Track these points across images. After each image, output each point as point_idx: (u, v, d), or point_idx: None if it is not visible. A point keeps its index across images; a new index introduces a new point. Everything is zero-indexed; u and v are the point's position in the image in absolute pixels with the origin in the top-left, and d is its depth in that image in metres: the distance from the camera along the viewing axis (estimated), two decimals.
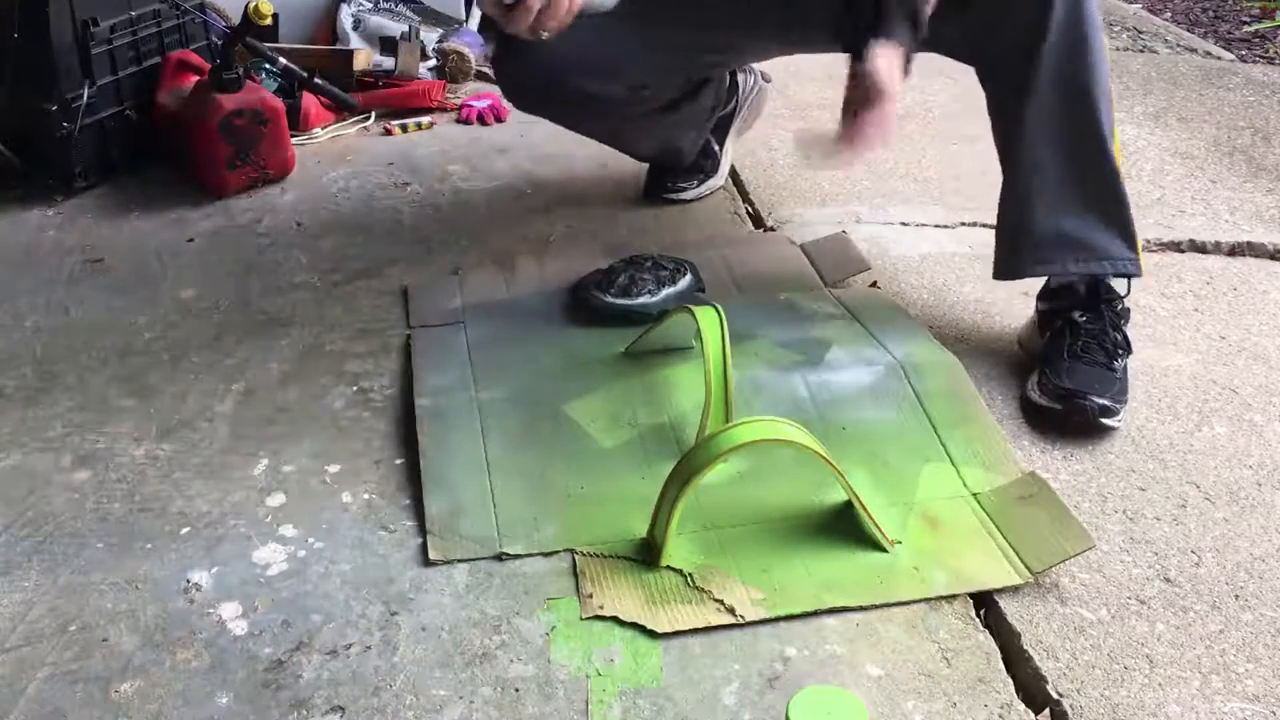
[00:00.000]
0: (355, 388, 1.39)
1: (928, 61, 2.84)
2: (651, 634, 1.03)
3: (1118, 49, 2.98)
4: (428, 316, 1.53)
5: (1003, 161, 1.45)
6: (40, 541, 1.14)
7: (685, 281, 1.54)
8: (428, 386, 1.36)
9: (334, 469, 1.25)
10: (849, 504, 1.15)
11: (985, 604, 1.08)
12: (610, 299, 1.49)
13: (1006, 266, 1.46)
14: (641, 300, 1.49)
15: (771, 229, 1.84)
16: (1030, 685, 1.00)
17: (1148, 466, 1.28)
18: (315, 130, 2.19)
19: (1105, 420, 1.31)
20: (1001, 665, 1.01)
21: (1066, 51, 1.33)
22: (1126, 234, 1.39)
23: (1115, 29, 3.18)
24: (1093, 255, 1.39)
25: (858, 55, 1.33)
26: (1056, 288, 1.46)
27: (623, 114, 1.68)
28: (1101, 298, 1.42)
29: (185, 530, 1.15)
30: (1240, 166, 2.14)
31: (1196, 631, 1.05)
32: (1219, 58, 3.00)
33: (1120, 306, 1.43)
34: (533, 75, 1.56)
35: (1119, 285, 1.44)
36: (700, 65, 1.71)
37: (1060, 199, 1.39)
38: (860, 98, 1.33)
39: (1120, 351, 1.39)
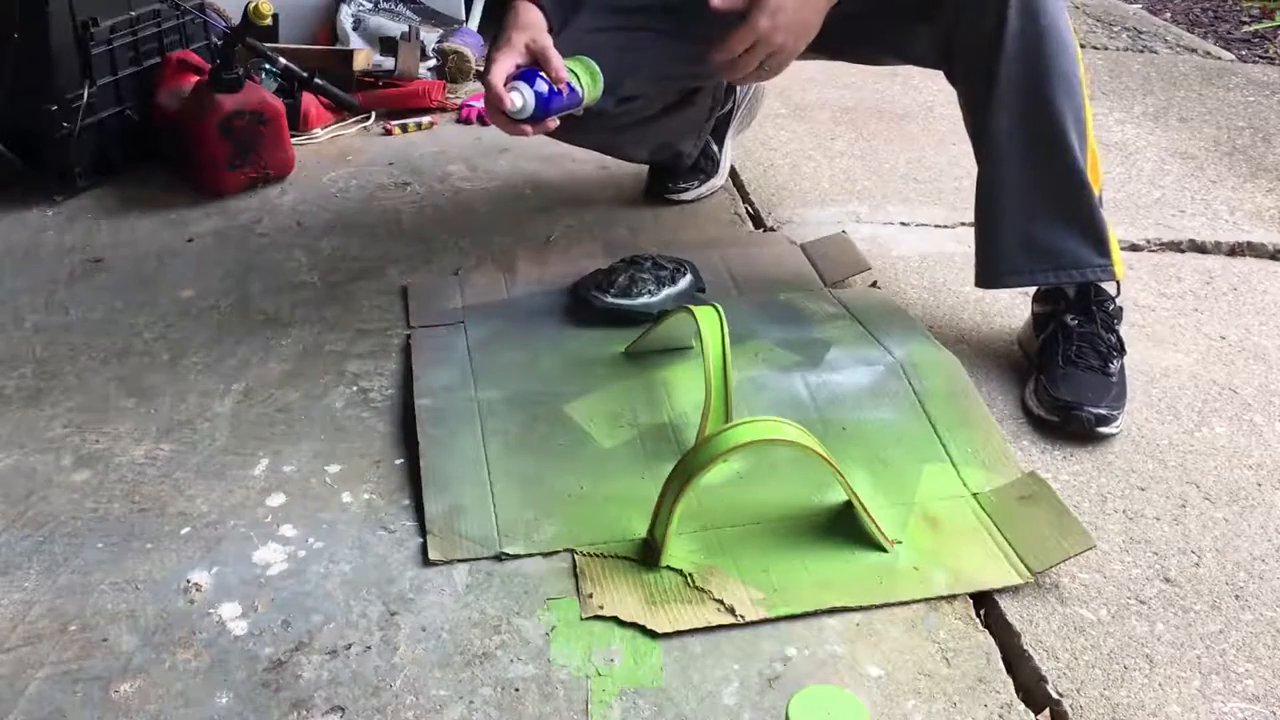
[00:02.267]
0: (355, 388, 1.39)
1: None
2: (651, 634, 1.03)
3: (1118, 49, 2.98)
4: (428, 316, 1.53)
5: (977, 166, 1.45)
6: (40, 541, 1.14)
7: (685, 281, 1.54)
8: (428, 386, 1.36)
9: (334, 469, 1.25)
10: (849, 504, 1.15)
11: (985, 604, 1.08)
12: (610, 299, 1.49)
13: (983, 275, 1.45)
14: (642, 300, 1.49)
15: (771, 229, 1.84)
16: (1030, 685, 1.00)
17: (1148, 466, 1.28)
18: (315, 130, 2.19)
19: (1102, 429, 1.30)
20: (1001, 665, 1.01)
21: (1026, 59, 1.32)
22: (1096, 240, 1.38)
23: (1115, 29, 3.18)
24: (1061, 263, 1.38)
25: None
26: (1048, 290, 1.45)
27: (613, 125, 1.67)
28: (1091, 300, 1.41)
29: (185, 530, 1.15)
30: (1240, 166, 2.14)
31: (1196, 631, 1.05)
32: (1219, 58, 3.00)
33: (1112, 307, 1.42)
34: None
35: (1110, 286, 1.43)
36: (692, 76, 1.70)
37: (1026, 207, 1.38)
38: None
39: (1114, 354, 1.38)
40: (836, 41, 1.46)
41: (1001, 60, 1.33)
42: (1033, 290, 1.49)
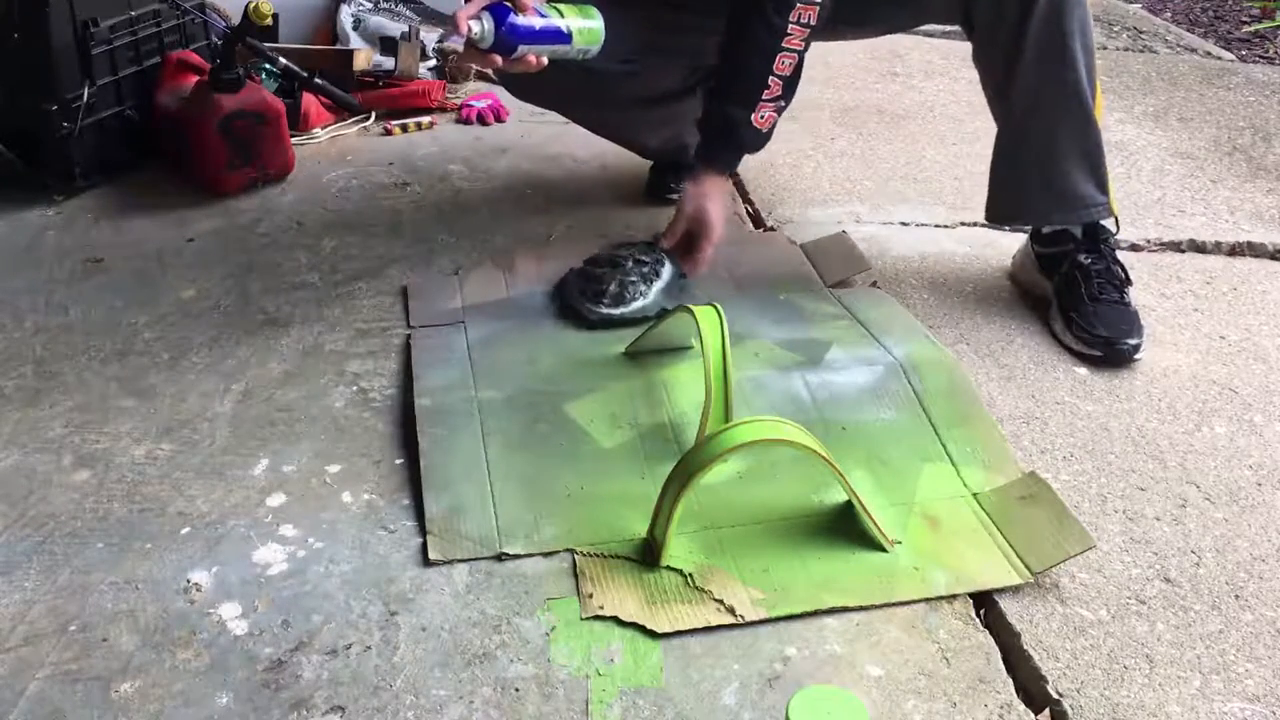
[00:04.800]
0: (355, 388, 1.39)
1: (927, 62, 2.85)
2: (651, 634, 1.03)
3: (1118, 49, 2.98)
4: (428, 316, 1.53)
5: (994, 115, 1.58)
6: (40, 541, 1.14)
7: (668, 272, 1.54)
8: (428, 386, 1.36)
9: (334, 469, 1.25)
10: (849, 504, 1.15)
11: (985, 604, 1.08)
12: (605, 310, 1.49)
13: (999, 212, 1.61)
14: (636, 305, 1.49)
15: (771, 229, 1.84)
16: (1030, 685, 1.00)
17: (1148, 466, 1.28)
18: (315, 130, 2.19)
19: (1137, 356, 1.46)
20: (1001, 665, 1.01)
21: (1052, 14, 1.44)
22: (1099, 180, 1.52)
23: (1115, 29, 3.18)
24: (1074, 205, 1.53)
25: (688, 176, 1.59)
26: (1054, 232, 1.57)
27: (616, 96, 1.70)
28: (1099, 238, 1.55)
29: (185, 530, 1.15)
30: (1240, 166, 2.14)
31: (1196, 631, 1.05)
32: (1219, 58, 3.00)
33: (1113, 241, 1.57)
34: None
35: (1109, 223, 1.56)
36: (692, 50, 1.72)
37: (1048, 151, 1.51)
38: (684, 228, 1.56)
39: (1127, 285, 1.53)
40: (859, 13, 1.58)
41: (1033, 16, 1.43)
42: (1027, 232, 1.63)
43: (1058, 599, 1.08)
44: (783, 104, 1.53)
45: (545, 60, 1.36)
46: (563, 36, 1.36)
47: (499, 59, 1.33)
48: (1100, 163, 1.52)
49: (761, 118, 1.52)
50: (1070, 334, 1.49)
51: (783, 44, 1.48)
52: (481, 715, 0.95)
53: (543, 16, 1.34)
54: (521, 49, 1.33)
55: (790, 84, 1.53)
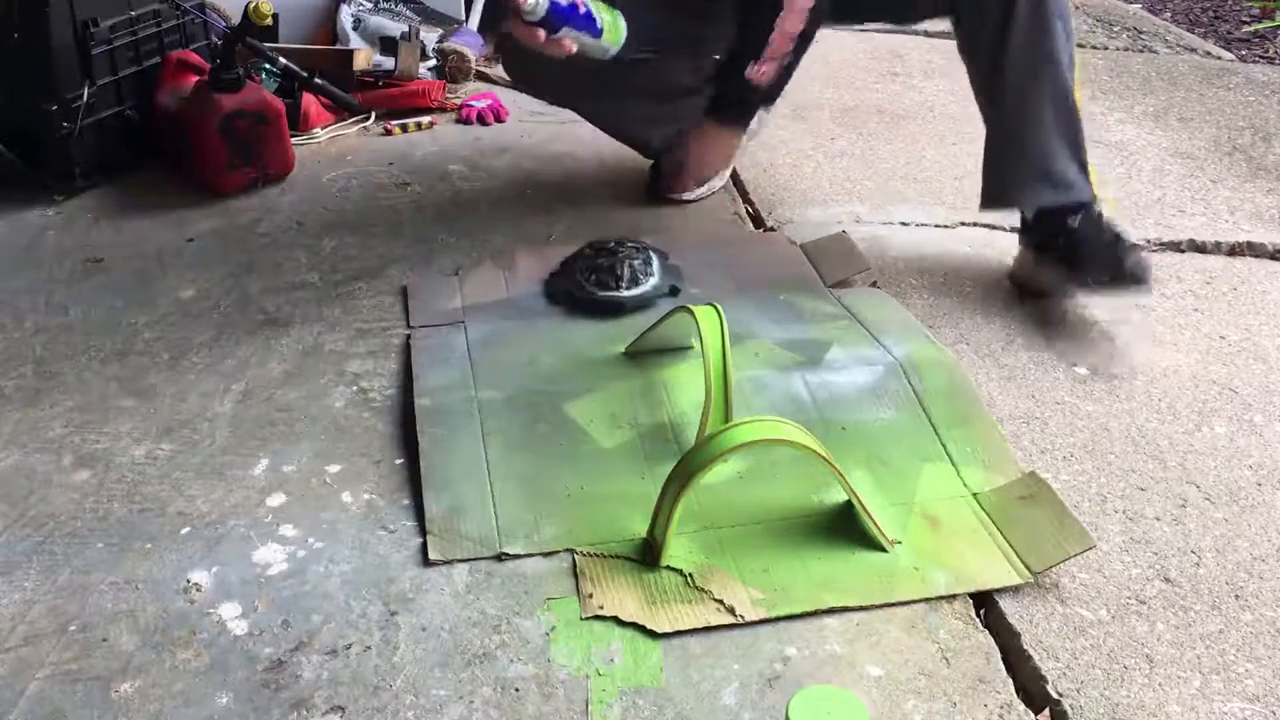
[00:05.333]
0: (355, 388, 1.39)
1: (927, 62, 2.85)
2: (651, 634, 1.03)
3: (1118, 49, 2.98)
4: (428, 316, 1.53)
5: (980, 106, 1.62)
6: (40, 541, 1.14)
7: (655, 256, 1.59)
8: (428, 386, 1.36)
9: (334, 469, 1.25)
10: (849, 504, 1.15)
11: (985, 604, 1.08)
12: (627, 292, 1.53)
13: (993, 198, 1.65)
14: (652, 283, 1.55)
15: (771, 229, 1.84)
16: (1030, 685, 1.00)
17: (1148, 466, 1.28)
18: (315, 130, 2.19)
19: (1147, 275, 1.52)
20: (1001, 665, 1.01)
21: (1034, 10, 1.52)
22: (1081, 164, 1.58)
23: (1115, 29, 3.18)
24: (1058, 185, 1.57)
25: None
26: (1039, 221, 1.61)
27: (626, 86, 1.73)
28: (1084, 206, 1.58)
29: (185, 530, 1.15)
30: (1240, 166, 2.14)
31: (1196, 631, 1.05)
32: (1219, 58, 3.00)
33: (1098, 207, 1.61)
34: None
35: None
36: (698, 38, 1.74)
37: (1034, 137, 1.57)
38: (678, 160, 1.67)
39: (1122, 238, 1.56)
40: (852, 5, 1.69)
41: (1016, 12, 1.51)
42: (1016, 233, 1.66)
43: (1058, 599, 1.08)
44: (790, 59, 1.63)
45: (575, 49, 1.42)
46: (596, 29, 1.43)
47: (542, 34, 1.39)
48: (1081, 146, 1.57)
49: (760, 72, 1.62)
50: (1085, 291, 1.52)
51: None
52: (481, 715, 0.95)
53: (585, 4, 1.41)
54: (564, 30, 1.40)
55: (802, 43, 1.63)
